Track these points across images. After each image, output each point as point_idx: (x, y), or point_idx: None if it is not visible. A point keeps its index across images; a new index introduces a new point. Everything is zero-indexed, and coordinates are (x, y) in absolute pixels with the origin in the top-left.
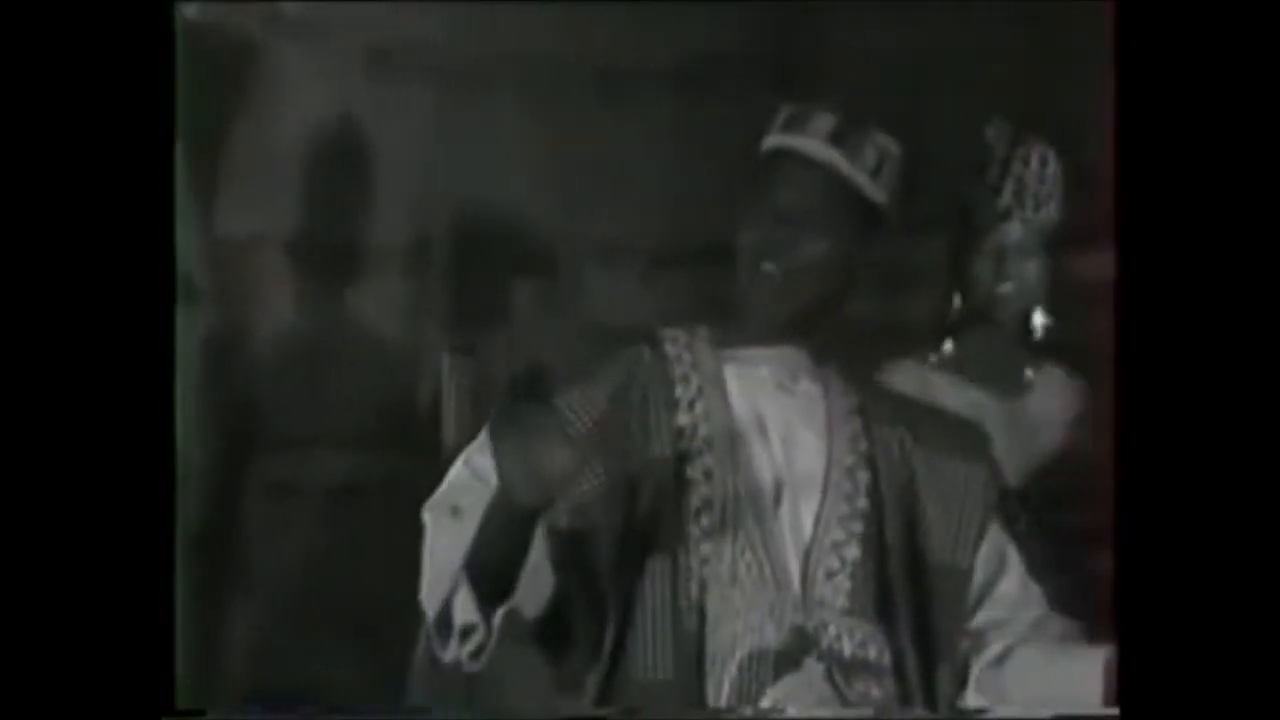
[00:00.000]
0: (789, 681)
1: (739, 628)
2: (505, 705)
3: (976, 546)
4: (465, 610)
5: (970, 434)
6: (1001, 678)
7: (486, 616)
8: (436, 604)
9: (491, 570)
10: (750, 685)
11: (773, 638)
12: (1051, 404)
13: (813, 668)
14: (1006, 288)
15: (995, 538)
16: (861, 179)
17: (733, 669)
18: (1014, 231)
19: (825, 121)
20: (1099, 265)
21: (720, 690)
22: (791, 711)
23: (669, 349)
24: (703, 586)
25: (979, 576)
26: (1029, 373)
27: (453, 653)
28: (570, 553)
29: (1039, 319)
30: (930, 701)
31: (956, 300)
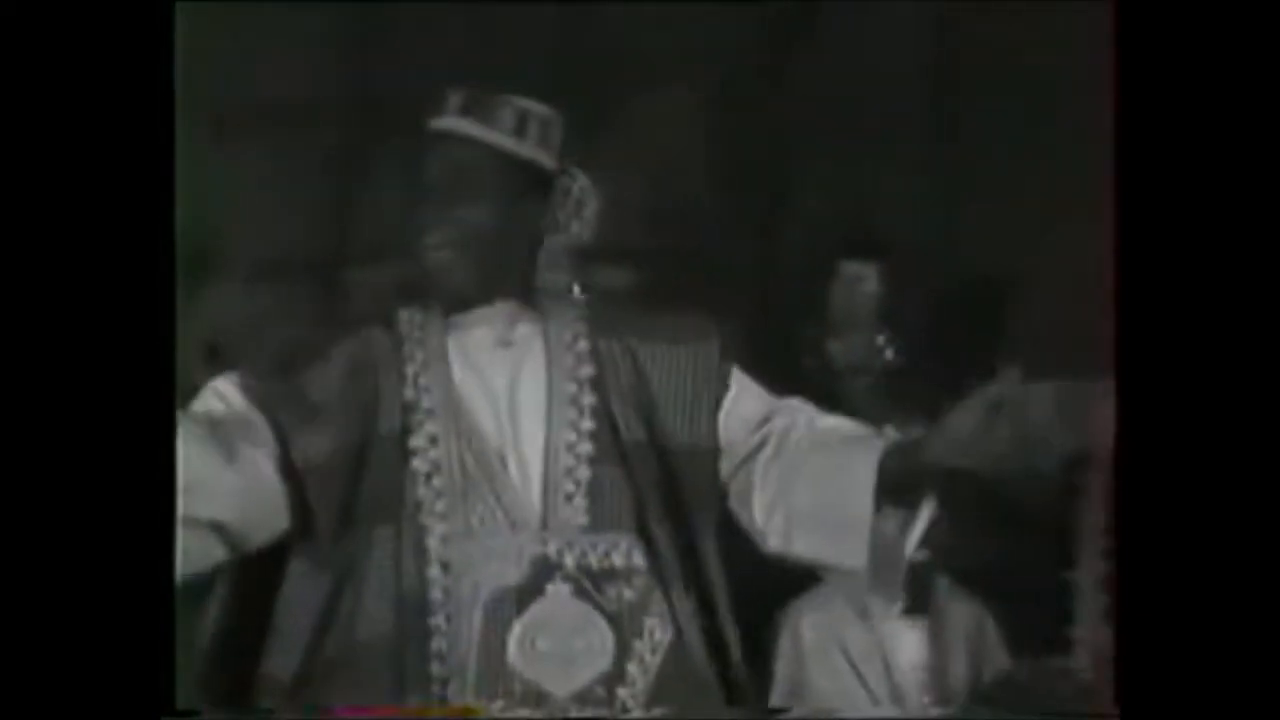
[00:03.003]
0: (536, 609)
1: (479, 576)
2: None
3: (714, 416)
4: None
5: (696, 321)
6: (776, 477)
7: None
8: None
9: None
10: (497, 623)
11: (513, 575)
12: None
13: (558, 590)
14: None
15: (733, 390)
16: (506, 141)
17: (478, 613)
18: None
19: (456, 98)
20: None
21: (472, 633)
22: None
23: (403, 328)
24: (445, 542)
25: (726, 422)
26: None
27: None
28: (299, 515)
29: None
30: (695, 565)
31: None
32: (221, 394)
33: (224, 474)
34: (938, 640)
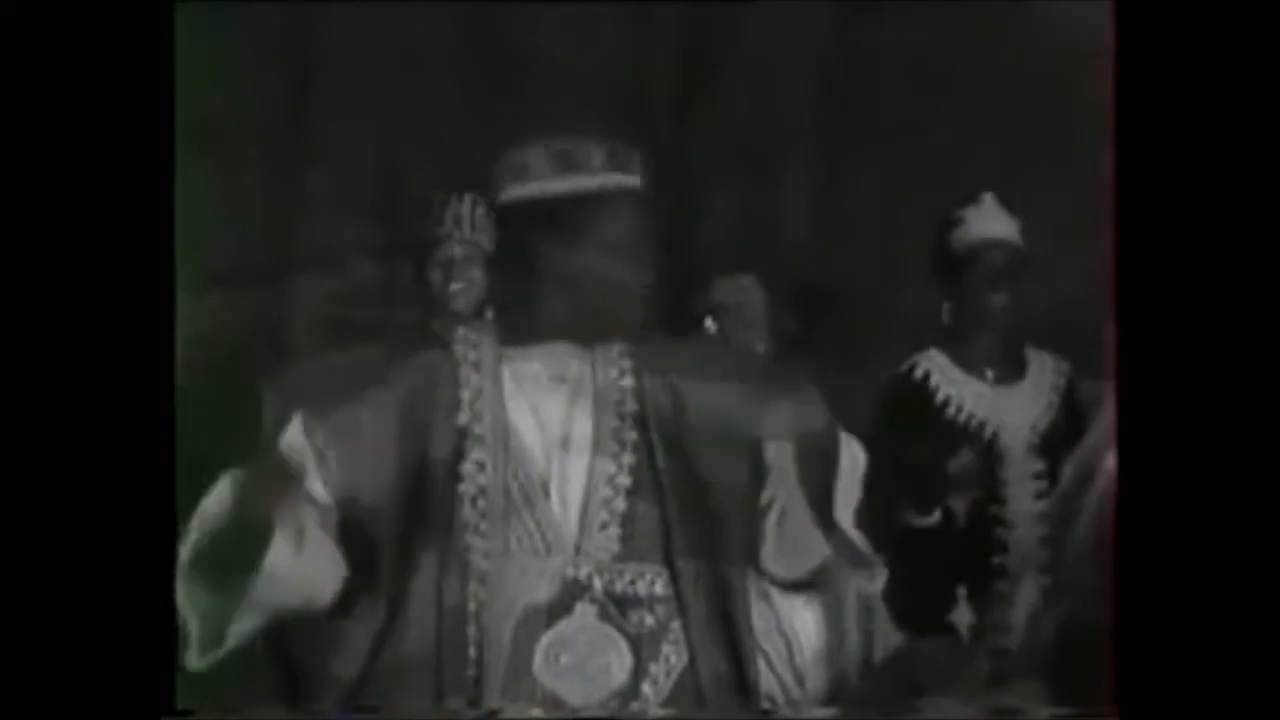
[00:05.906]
0: (562, 626)
1: (514, 592)
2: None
3: (750, 453)
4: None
5: (743, 360)
6: (782, 535)
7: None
8: None
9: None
10: (526, 635)
11: (544, 593)
12: None
13: (584, 610)
14: (457, 286)
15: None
16: (645, 188)
17: (510, 625)
18: (455, 250)
19: (600, 153)
20: None
21: (503, 643)
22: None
23: (459, 350)
24: (485, 558)
25: (766, 471)
26: None
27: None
28: (354, 538)
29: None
30: (721, 604)
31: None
32: (289, 453)
33: (294, 563)
34: (833, 618)
